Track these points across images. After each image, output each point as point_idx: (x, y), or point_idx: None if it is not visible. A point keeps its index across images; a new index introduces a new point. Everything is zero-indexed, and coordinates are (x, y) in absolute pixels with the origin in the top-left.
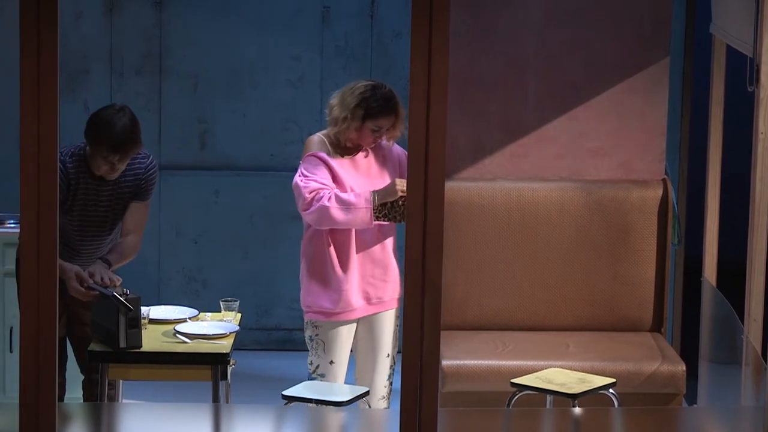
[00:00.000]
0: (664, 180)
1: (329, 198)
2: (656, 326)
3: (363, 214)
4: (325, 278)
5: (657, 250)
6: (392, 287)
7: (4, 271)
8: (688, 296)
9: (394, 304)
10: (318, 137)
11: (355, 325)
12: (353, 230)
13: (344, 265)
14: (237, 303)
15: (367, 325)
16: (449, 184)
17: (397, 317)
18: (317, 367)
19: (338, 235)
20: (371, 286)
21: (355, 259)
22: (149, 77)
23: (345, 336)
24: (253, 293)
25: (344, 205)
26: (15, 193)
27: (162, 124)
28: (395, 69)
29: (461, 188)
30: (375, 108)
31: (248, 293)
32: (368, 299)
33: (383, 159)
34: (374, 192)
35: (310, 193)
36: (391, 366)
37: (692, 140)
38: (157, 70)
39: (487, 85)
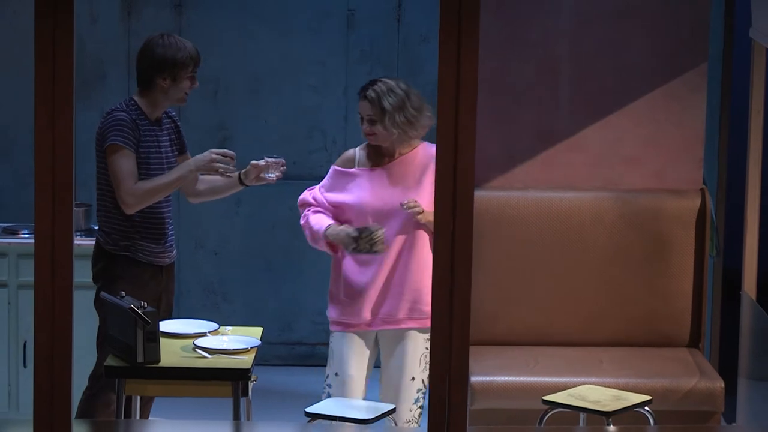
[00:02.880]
0: (701, 189)
1: (305, 217)
2: (693, 341)
3: (322, 246)
4: (334, 287)
5: (694, 262)
6: (410, 305)
7: (18, 283)
8: (727, 310)
9: (418, 324)
10: (353, 150)
11: (367, 340)
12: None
13: (352, 275)
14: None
15: (386, 343)
16: (478, 194)
17: (426, 339)
18: (326, 377)
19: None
20: (383, 300)
21: (363, 270)
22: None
23: (351, 349)
24: (275, 307)
25: (311, 231)
26: (29, 203)
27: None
28: (422, 74)
29: (491, 198)
30: (359, 92)
31: (270, 307)
32: (377, 314)
33: (413, 168)
34: (329, 227)
35: (300, 205)
36: (419, 389)
37: (731, 148)
38: None
39: (518, 91)
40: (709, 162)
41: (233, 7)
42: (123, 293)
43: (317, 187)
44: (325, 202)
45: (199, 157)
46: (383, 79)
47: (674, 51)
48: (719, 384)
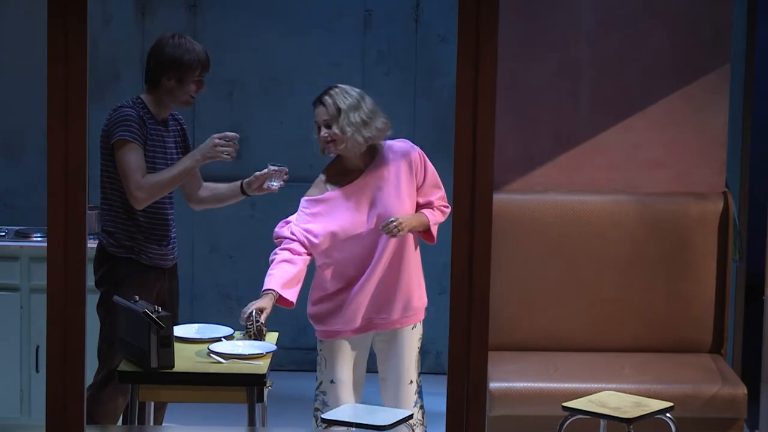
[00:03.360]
0: (724, 193)
1: (274, 254)
2: (716, 347)
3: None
4: (317, 296)
5: (717, 266)
6: (403, 305)
7: (30, 287)
8: (750, 316)
9: (411, 321)
10: (319, 177)
11: (360, 344)
12: (350, 247)
13: (341, 284)
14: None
15: (380, 345)
16: (497, 197)
17: (418, 343)
18: (319, 384)
19: (334, 252)
20: (375, 305)
21: (351, 279)
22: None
23: (344, 355)
24: (290, 312)
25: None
26: (42, 206)
27: (196, 133)
28: (440, 75)
29: (510, 201)
30: (313, 106)
31: (286, 312)
32: (370, 318)
33: (386, 171)
34: (262, 294)
35: (275, 238)
36: (416, 391)
37: (754, 150)
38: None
39: (538, 93)
40: (731, 165)
41: (248, 7)
42: (137, 297)
43: (292, 220)
44: (305, 236)
45: (202, 146)
46: (338, 85)
47: (696, 52)
48: (742, 390)
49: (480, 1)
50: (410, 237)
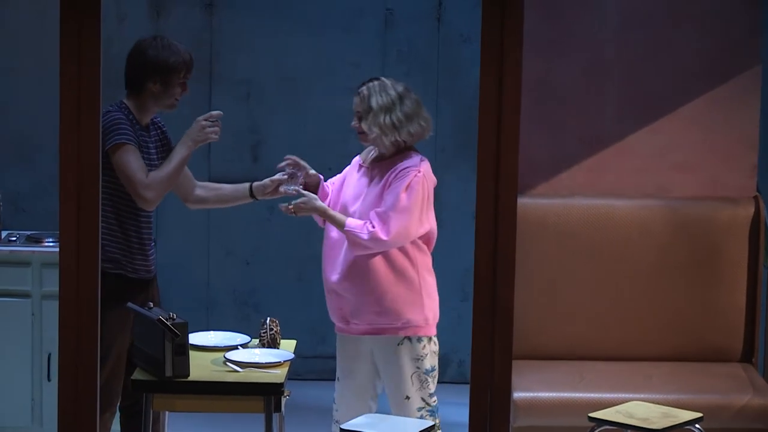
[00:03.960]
0: (755, 197)
1: None
2: (746, 356)
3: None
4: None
5: (747, 273)
6: (374, 311)
7: (42, 293)
8: None
9: (389, 332)
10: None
11: (358, 345)
12: (333, 236)
13: (326, 265)
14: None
15: (375, 353)
16: (522, 201)
17: (416, 359)
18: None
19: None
20: (347, 302)
21: (330, 267)
22: (198, 85)
23: (343, 351)
24: (309, 319)
25: None
26: (54, 210)
27: None
28: (463, 76)
29: (535, 205)
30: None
31: (304, 318)
32: (344, 317)
33: (382, 172)
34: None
35: None
36: (420, 408)
37: None
38: (206, 77)
39: (563, 94)
40: (763, 168)
41: (266, 6)
42: (151, 304)
43: None
44: (331, 192)
45: (190, 131)
46: (381, 78)
47: (727, 52)
48: None
49: (504, 0)
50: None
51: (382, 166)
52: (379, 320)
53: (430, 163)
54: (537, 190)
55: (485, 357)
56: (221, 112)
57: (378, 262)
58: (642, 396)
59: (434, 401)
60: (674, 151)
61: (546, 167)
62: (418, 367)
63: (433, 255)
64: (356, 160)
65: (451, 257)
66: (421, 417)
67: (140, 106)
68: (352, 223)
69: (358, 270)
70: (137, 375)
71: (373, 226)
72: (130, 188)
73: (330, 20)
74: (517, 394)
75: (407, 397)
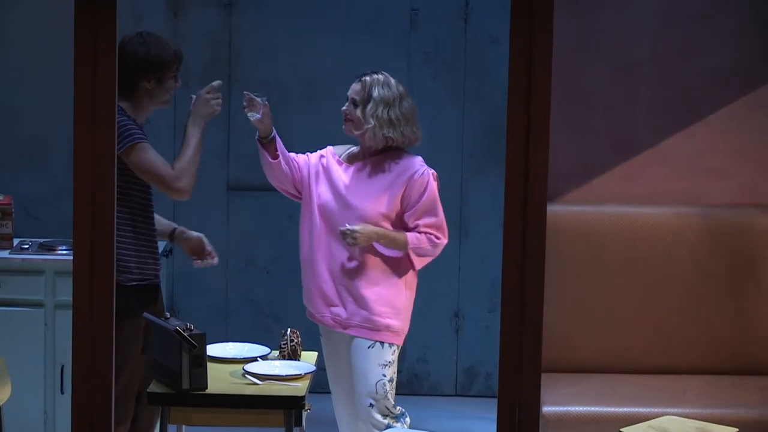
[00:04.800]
0: None
1: None
2: None
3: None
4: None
5: None
6: (354, 310)
7: (55, 302)
8: None
9: (362, 334)
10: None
11: (332, 339)
12: (313, 219)
13: (306, 246)
14: None
15: (346, 350)
16: (551, 209)
17: (383, 364)
18: None
19: (305, 222)
20: (326, 295)
21: (322, 255)
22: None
23: (323, 343)
24: None
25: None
26: (67, 217)
27: (230, 140)
28: (491, 78)
29: (565, 213)
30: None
31: None
32: (330, 305)
33: (375, 173)
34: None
35: None
36: (386, 416)
37: None
38: (225, 79)
39: (594, 97)
40: None
41: (286, 6)
42: (168, 314)
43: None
44: (294, 159)
45: (196, 108)
46: (384, 73)
47: (764, 54)
48: None
49: (533, 1)
50: (378, 247)
51: (375, 163)
52: (359, 319)
53: (457, 169)
54: (567, 197)
55: (513, 370)
56: (221, 82)
57: (377, 262)
58: (676, 410)
59: (398, 410)
60: (710, 156)
61: (576, 174)
62: (384, 375)
63: (460, 264)
64: (330, 153)
65: (478, 266)
66: (388, 426)
67: (135, 106)
68: (414, 240)
69: (357, 267)
70: (153, 387)
71: (438, 237)
72: (159, 185)
73: (353, 20)
74: (547, 409)
75: (371, 405)
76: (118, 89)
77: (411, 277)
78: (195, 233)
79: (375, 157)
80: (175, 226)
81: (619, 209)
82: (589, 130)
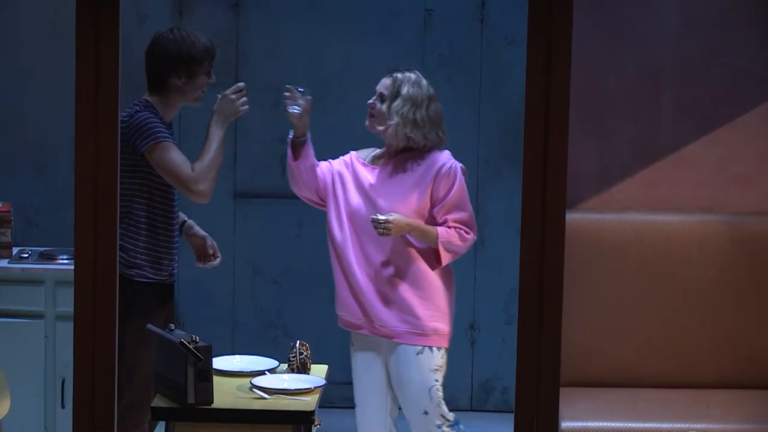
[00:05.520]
0: None
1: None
2: None
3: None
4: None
5: None
6: (401, 316)
7: (56, 314)
8: None
9: (411, 340)
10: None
11: (366, 344)
12: (343, 225)
13: (341, 253)
14: None
15: (390, 359)
16: (570, 216)
17: (434, 369)
18: None
19: (335, 229)
20: (364, 300)
21: (352, 249)
22: (223, 90)
23: (353, 349)
24: (341, 342)
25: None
26: (69, 225)
27: (238, 144)
28: (508, 81)
29: (584, 221)
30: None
31: (336, 342)
32: (366, 314)
33: (403, 170)
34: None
35: None
36: (438, 425)
37: None
38: (232, 81)
39: (615, 101)
40: None
41: (297, 6)
42: (172, 326)
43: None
44: (320, 168)
45: (221, 108)
46: (419, 73)
47: None
48: None
49: (552, 0)
50: (417, 245)
51: (401, 162)
52: (406, 325)
53: (473, 174)
54: (586, 204)
55: (531, 384)
56: (244, 84)
57: (414, 265)
58: (699, 426)
59: (452, 416)
60: (734, 162)
61: (596, 180)
62: (436, 380)
63: (475, 274)
64: (354, 157)
65: (495, 276)
66: None
67: (165, 102)
68: (444, 234)
69: (395, 270)
70: (158, 402)
71: (467, 232)
72: (179, 185)
73: (365, 21)
74: (566, 424)
75: (426, 413)
76: (148, 84)
77: (449, 277)
78: (201, 232)
79: (400, 156)
80: (186, 218)
81: (640, 217)
82: (609, 134)
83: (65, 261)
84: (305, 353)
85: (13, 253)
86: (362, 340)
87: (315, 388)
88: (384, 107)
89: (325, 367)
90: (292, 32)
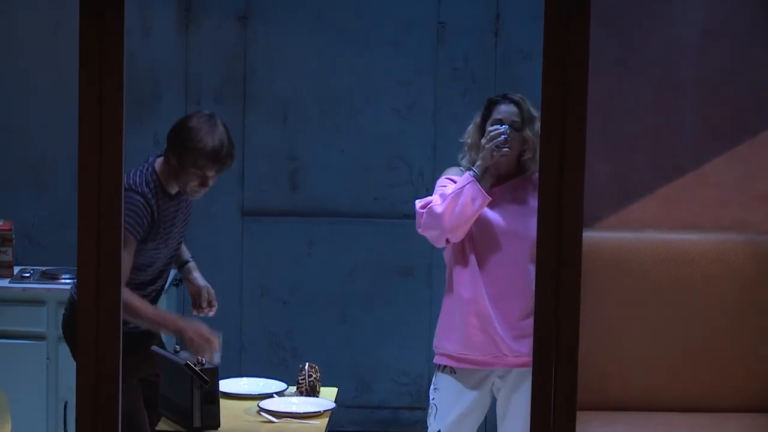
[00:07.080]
0: None
1: (436, 204)
2: None
3: (468, 191)
4: (448, 307)
5: None
6: (529, 339)
7: (58, 335)
8: None
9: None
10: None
11: (483, 382)
12: (478, 246)
13: (468, 287)
14: None
15: (506, 390)
16: (588, 235)
17: None
18: None
19: (463, 252)
20: (508, 329)
21: (481, 280)
22: (231, 105)
23: (460, 392)
24: (352, 364)
25: (448, 195)
26: (71, 244)
27: (245, 162)
28: (523, 95)
29: (602, 240)
30: (495, 98)
31: (346, 364)
32: (497, 345)
33: (525, 192)
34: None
35: (422, 207)
36: None
37: None
38: (240, 96)
39: (635, 117)
40: None
41: (306, 19)
42: (177, 347)
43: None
44: None
45: (189, 326)
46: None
47: None
48: None
49: (569, 13)
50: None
51: (516, 184)
52: (528, 350)
53: None
54: (604, 223)
55: (545, 407)
56: (218, 341)
57: (530, 287)
58: None
59: None
60: (757, 180)
61: (615, 198)
62: None
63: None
64: (453, 176)
65: None
66: None
67: (167, 174)
68: None
69: (516, 293)
70: (162, 425)
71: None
72: None
73: (376, 34)
74: None
75: None
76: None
77: None
78: (199, 280)
79: (513, 180)
80: (189, 258)
81: (660, 236)
82: (628, 151)
83: (67, 281)
84: (314, 375)
85: (15, 273)
86: (476, 376)
87: (324, 411)
88: (522, 136)
89: (335, 389)
90: (301, 45)
